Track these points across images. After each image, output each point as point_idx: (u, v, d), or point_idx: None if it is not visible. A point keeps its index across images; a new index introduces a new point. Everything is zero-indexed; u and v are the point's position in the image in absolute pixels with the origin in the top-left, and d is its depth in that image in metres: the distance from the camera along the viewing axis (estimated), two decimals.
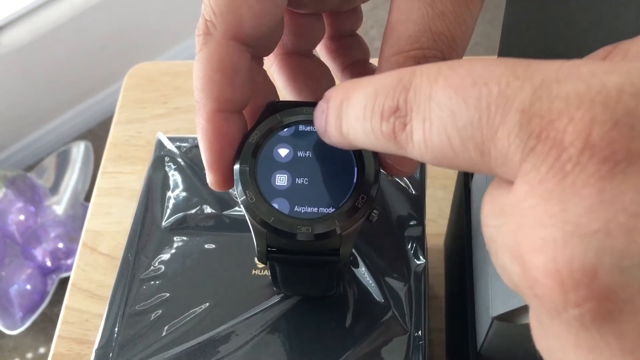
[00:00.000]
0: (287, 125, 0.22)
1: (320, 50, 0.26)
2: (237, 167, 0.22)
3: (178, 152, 0.34)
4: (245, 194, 0.21)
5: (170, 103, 0.52)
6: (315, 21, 0.24)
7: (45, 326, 1.11)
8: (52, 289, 1.10)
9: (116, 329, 0.28)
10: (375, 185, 0.22)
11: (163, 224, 0.31)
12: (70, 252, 1.10)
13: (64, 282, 1.09)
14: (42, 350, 1.11)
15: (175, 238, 0.31)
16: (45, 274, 1.10)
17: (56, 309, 1.08)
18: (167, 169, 0.33)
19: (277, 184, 0.22)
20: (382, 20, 1.40)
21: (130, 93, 0.54)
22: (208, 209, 0.32)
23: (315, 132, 0.22)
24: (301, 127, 0.22)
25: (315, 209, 0.21)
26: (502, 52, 0.26)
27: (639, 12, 0.24)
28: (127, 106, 0.53)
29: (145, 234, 0.31)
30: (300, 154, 0.22)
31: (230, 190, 0.32)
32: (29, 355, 1.11)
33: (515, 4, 0.24)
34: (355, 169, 0.22)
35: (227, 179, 0.22)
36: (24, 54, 1.19)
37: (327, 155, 0.22)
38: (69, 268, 1.09)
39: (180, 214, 0.32)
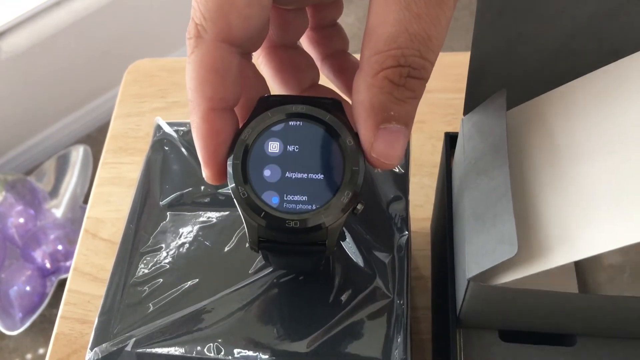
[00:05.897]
0: (278, 122, 0.23)
1: (303, 40, 0.28)
2: (230, 162, 0.23)
3: (176, 135, 0.36)
4: (238, 188, 0.23)
5: (168, 97, 0.54)
6: (299, 14, 0.26)
7: (45, 327, 1.12)
8: (51, 290, 1.11)
9: (118, 298, 0.30)
10: (360, 181, 0.23)
11: (161, 201, 0.33)
12: (69, 254, 1.11)
13: (63, 284, 1.10)
14: (41, 351, 1.12)
15: (173, 215, 0.33)
16: (45, 275, 1.11)
17: (55, 310, 1.09)
18: (165, 150, 0.35)
19: (267, 178, 0.23)
20: None
21: (130, 88, 0.55)
22: (204, 187, 0.34)
23: (305, 127, 0.23)
24: (291, 123, 0.23)
25: (304, 204, 0.23)
26: (476, 38, 0.28)
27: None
28: (127, 101, 0.54)
29: (145, 211, 0.33)
30: (290, 149, 0.23)
31: None
32: (29, 356, 1.12)
33: None
34: (342, 164, 0.23)
35: (221, 174, 0.23)
36: (24, 59, 1.21)
37: (316, 151, 0.23)
38: (67, 270, 1.11)
39: (177, 192, 0.33)
